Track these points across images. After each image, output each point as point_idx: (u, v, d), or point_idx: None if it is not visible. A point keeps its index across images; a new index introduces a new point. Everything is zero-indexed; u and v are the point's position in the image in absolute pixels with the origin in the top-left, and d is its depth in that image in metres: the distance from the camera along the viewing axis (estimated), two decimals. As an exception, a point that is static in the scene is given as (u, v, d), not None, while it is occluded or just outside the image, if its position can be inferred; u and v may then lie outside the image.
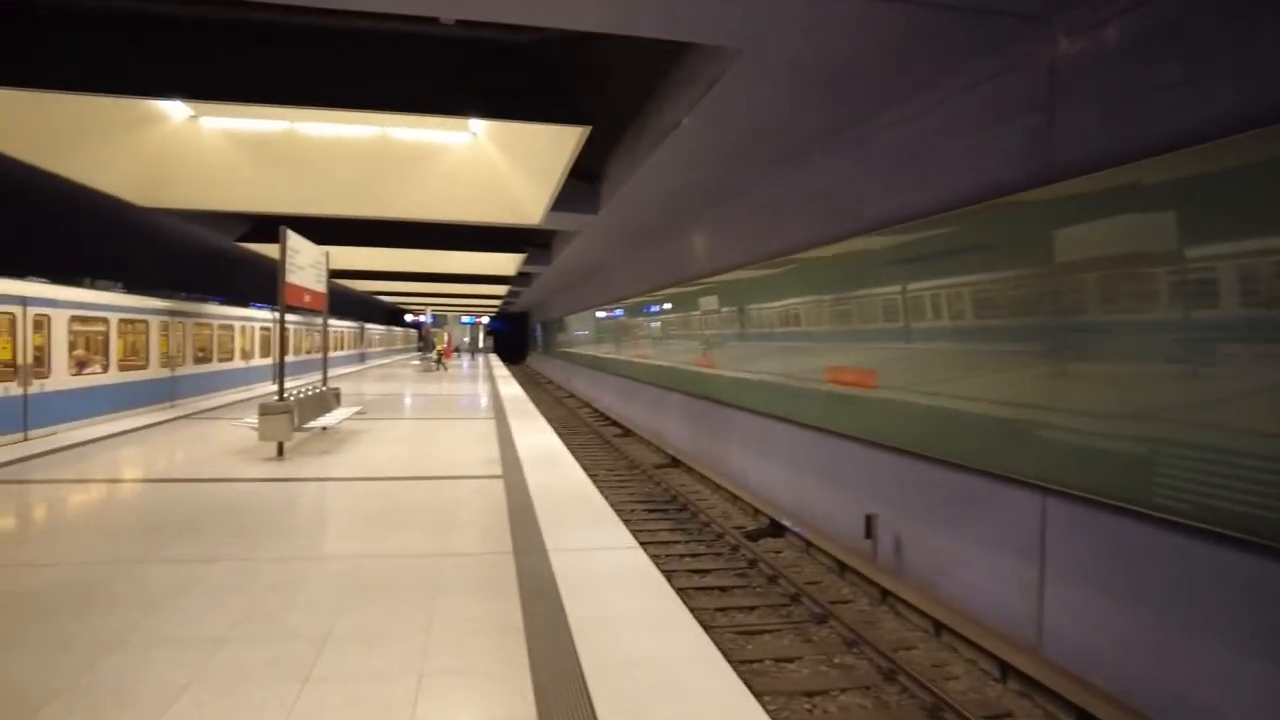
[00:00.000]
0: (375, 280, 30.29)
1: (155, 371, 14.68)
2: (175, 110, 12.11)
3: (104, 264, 16.28)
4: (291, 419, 9.43)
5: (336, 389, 13.03)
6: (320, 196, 13.61)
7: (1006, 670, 6.45)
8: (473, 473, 8.83)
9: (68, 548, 5.53)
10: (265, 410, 9.30)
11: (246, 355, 20.47)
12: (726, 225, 13.67)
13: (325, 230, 15.60)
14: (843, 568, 9.18)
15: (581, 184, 14.05)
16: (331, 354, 31.41)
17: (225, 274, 22.02)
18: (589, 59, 8.87)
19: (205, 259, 20.83)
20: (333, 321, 33.26)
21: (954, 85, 7.36)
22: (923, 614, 7.62)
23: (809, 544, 10.00)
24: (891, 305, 8.65)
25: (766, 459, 12.00)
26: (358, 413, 13.17)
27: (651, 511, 12.17)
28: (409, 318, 61.71)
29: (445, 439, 11.68)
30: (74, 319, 11.93)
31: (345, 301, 37.42)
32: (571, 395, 35.40)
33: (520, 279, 30.99)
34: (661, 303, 19.25)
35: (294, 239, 10.12)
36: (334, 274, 27.70)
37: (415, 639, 3.92)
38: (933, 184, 7.88)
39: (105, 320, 12.88)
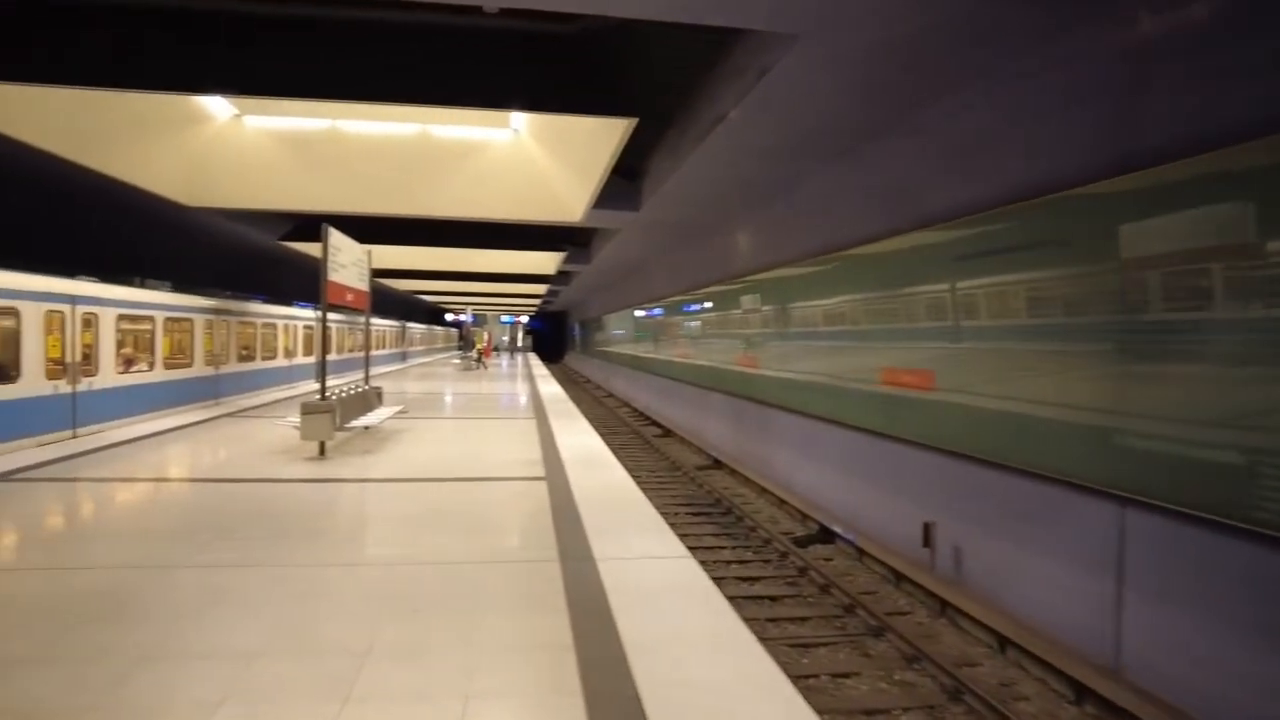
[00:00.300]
0: (416, 279, 30.51)
1: (200, 370, 14.74)
2: (219, 110, 12.19)
3: (152, 263, 16.53)
4: (333, 418, 9.33)
5: (379, 388, 12.98)
6: (362, 195, 13.60)
7: (1082, 692, 6.03)
8: (515, 474, 8.63)
9: (103, 550, 5.43)
10: (307, 409, 9.21)
11: (289, 354, 20.58)
12: (773, 221, 13.31)
13: (367, 229, 15.60)
14: (898, 577, 8.79)
15: (623, 181, 13.81)
16: (373, 353, 31.62)
17: (269, 273, 22.25)
18: (633, 51, 8.62)
19: (249, 258, 21.06)
20: (375, 320, 33.55)
21: (1023, 68, 6.94)
22: (986, 628, 7.21)
23: (861, 551, 9.62)
24: (952, 303, 8.24)
25: (815, 462, 11.63)
26: (399, 412, 13.09)
27: (695, 515, 11.87)
28: (449, 317, 62.23)
29: (487, 439, 11.53)
30: (121, 317, 11.98)
31: (387, 301, 37.78)
32: (610, 395, 35.25)
33: (560, 278, 30.92)
34: (703, 301, 18.93)
35: (336, 237, 10.03)
36: (376, 273, 27.99)
37: (459, 656, 3.69)
38: (998, 174, 7.46)
39: (151, 319, 12.94)
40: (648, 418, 25.02)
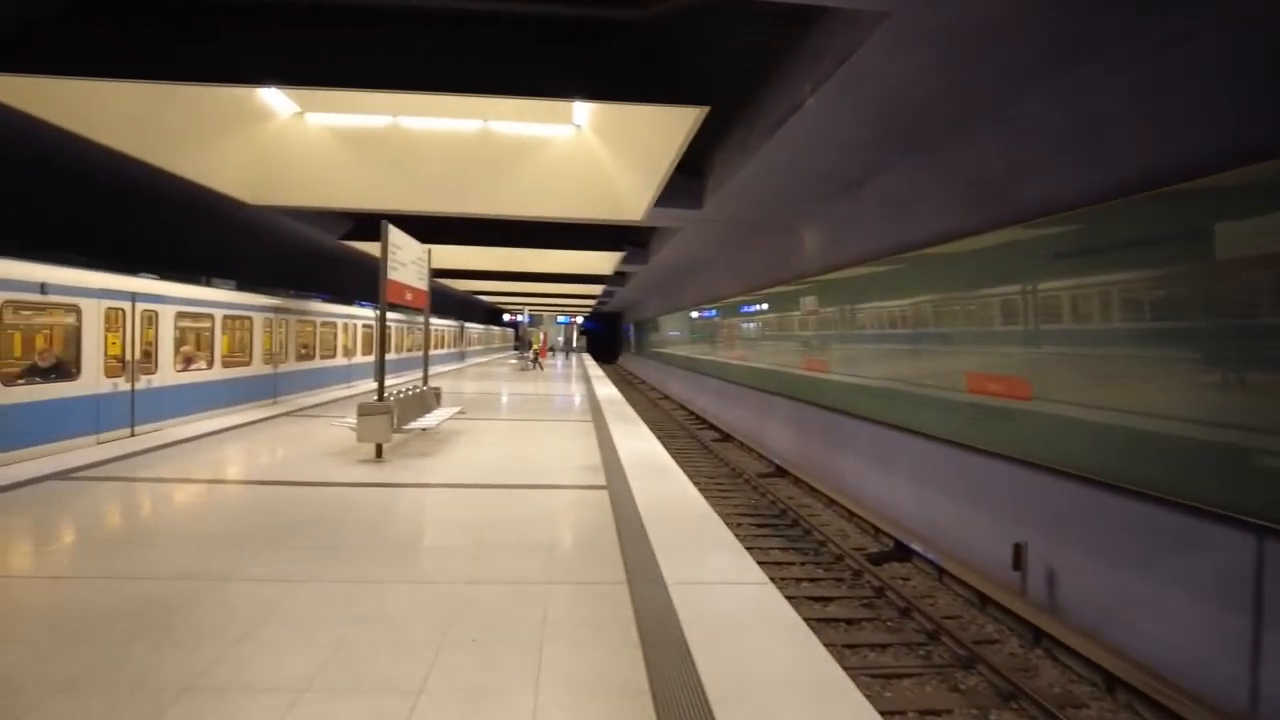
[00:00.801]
0: (475, 280, 30.58)
1: (258, 368, 14.62)
2: (281, 106, 12.15)
3: (217, 262, 16.77)
4: (390, 420, 9.10)
5: (437, 388, 12.78)
6: (422, 193, 13.44)
7: (1213, 745, 5.34)
8: (576, 481, 8.25)
9: (154, 558, 5.20)
10: (364, 411, 9.00)
11: (349, 353, 20.51)
12: (847, 218, 12.68)
13: (427, 228, 15.51)
14: (983, 600, 8.14)
15: (685, 178, 13.39)
16: (432, 352, 31.63)
17: (332, 272, 22.41)
18: (704, 37, 8.21)
19: (313, 257, 21.24)
20: (434, 320, 33.72)
21: (1140, 43, 6.25)
22: (1089, 663, 6.53)
23: (942, 571, 8.97)
24: (1053, 305, 7.56)
25: (890, 474, 10.98)
26: (458, 413, 12.87)
27: (760, 527, 11.34)
28: (506, 317, 62.77)
29: (545, 442, 11.19)
30: (180, 315, 11.91)
31: (446, 301, 38.08)
32: (665, 397, 34.79)
33: (616, 278, 30.62)
34: (765, 302, 18.35)
35: (396, 234, 9.83)
36: (435, 273, 28.10)
37: (523, 698, 3.29)
38: (1107, 163, 6.78)
39: (210, 316, 12.86)
40: (704, 421, 24.49)
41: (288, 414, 13.80)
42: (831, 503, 12.51)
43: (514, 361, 39.94)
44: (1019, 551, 7.83)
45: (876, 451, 11.51)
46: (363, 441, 9.11)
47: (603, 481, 8.22)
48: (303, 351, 17.32)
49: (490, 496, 7.45)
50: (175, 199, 13.25)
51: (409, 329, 27.89)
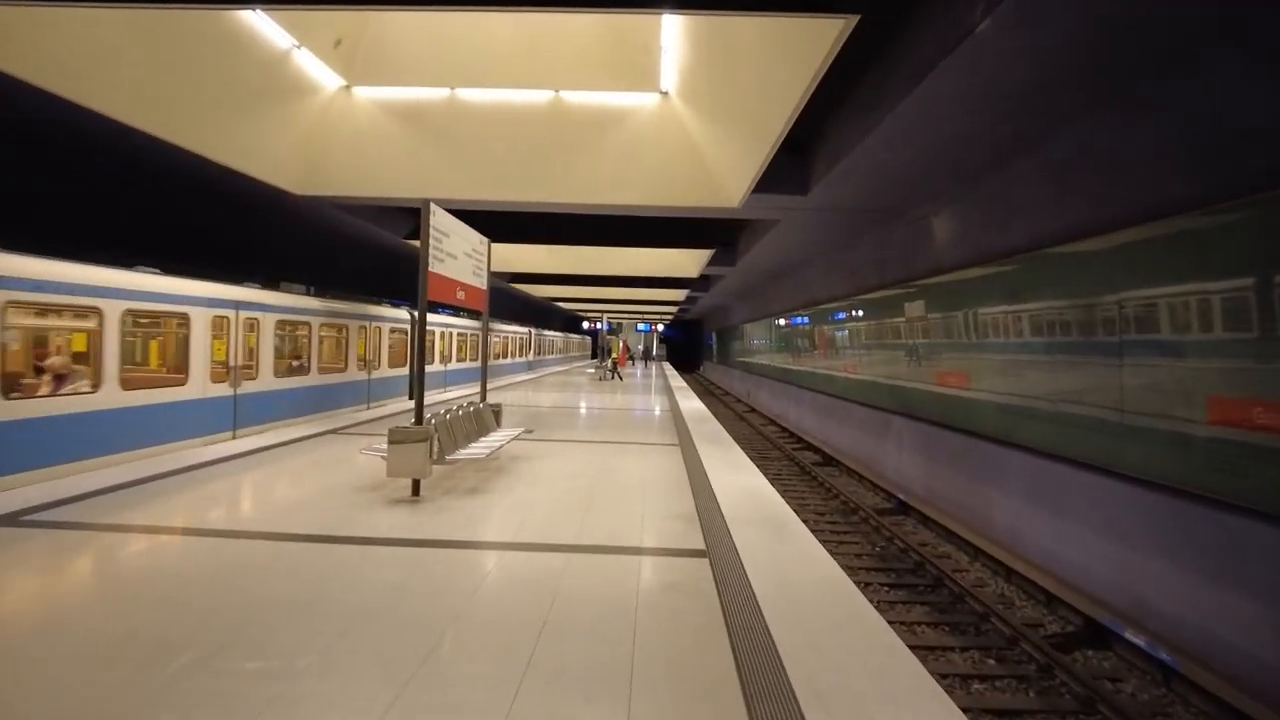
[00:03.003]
0: (552, 284, 29.20)
1: (201, 389, 10.80)
2: (326, 80, 10.59)
3: (283, 265, 15.70)
4: (429, 449, 7.22)
5: (497, 405, 10.86)
6: (484, 178, 11.70)
7: None
8: (664, 542, 6.12)
9: (25, 689, 3.31)
10: (395, 437, 7.13)
11: (367, 364, 16.63)
12: (998, 198, 10.17)
13: (493, 224, 13.77)
14: (1248, 726, 5.61)
15: (789, 156, 11.16)
16: (494, 363, 29.43)
17: (407, 277, 21.09)
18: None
19: (381, 259, 20.03)
20: (501, 326, 32.10)
21: None
22: None
23: (1169, 672, 6.44)
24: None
25: (1063, 520, 8.45)
26: (524, 432, 10.96)
27: (894, 588, 8.92)
28: (585, 325, 61.85)
29: (624, 475, 9.09)
30: (19, 306, 7.99)
31: (522, 308, 36.89)
32: (752, 410, 32.35)
33: (700, 282, 28.62)
34: (883, 306, 15.84)
35: (441, 217, 7.97)
36: (510, 277, 26.57)
37: None
38: None
39: (96, 311, 8.88)
40: (800, 439, 21.98)
41: (336, 430, 12.12)
42: (978, 552, 9.98)
43: (591, 371, 38.15)
44: (1320, 665, 5.29)
45: (1039, 489, 8.99)
46: (394, 476, 7.26)
47: (700, 543, 6.06)
48: (293, 364, 13.45)
49: (548, 567, 5.39)
50: (231, 193, 11.99)
51: (458, 334, 23.98)
